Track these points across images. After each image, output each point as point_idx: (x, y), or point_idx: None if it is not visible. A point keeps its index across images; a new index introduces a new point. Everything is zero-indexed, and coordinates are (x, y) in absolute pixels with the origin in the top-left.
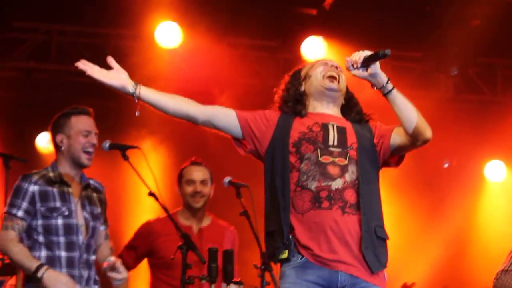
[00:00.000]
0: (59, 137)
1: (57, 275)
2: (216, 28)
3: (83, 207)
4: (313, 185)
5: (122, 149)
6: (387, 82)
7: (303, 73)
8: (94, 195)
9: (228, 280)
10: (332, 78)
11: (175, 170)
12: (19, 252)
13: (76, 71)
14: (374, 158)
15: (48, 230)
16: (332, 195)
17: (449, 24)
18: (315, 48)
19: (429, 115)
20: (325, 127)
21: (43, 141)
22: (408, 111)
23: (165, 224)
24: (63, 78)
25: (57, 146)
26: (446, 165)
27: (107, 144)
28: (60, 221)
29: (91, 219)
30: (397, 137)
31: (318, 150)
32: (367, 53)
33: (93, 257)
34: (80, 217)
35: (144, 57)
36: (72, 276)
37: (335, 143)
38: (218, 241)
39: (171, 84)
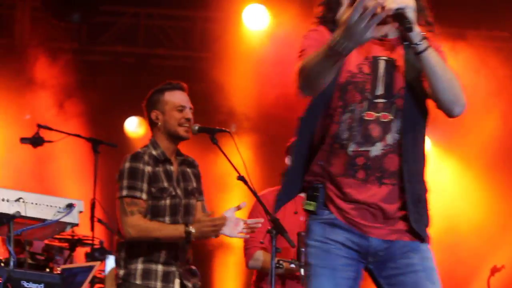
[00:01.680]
0: (153, 114)
1: (200, 226)
2: (303, 11)
3: (178, 183)
4: (351, 148)
5: (212, 133)
6: (417, 43)
7: None
8: (189, 170)
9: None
10: None
11: (261, 155)
12: (161, 227)
13: (164, 54)
14: (423, 100)
15: (156, 212)
16: (369, 163)
17: None
18: None
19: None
20: (375, 66)
21: (132, 125)
22: (436, 80)
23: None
24: (151, 61)
25: (152, 123)
26: None
27: (196, 127)
28: (168, 202)
29: (184, 196)
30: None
31: (365, 102)
32: (401, 7)
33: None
34: (180, 195)
35: (231, 40)
36: (173, 258)
37: (382, 91)
38: None
39: (259, 66)
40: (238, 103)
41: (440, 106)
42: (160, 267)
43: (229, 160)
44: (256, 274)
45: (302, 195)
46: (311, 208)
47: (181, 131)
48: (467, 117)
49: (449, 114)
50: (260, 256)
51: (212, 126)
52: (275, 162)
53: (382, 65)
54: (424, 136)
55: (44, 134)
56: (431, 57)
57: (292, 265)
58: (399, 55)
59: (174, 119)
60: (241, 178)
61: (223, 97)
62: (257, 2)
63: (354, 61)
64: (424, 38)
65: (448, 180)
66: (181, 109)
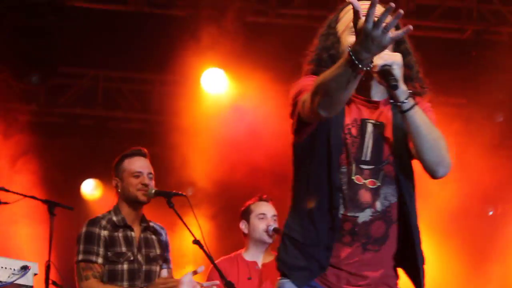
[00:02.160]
0: (114, 181)
1: None
2: (262, 74)
3: (139, 249)
4: (340, 212)
5: (168, 196)
6: (403, 101)
7: (337, 29)
8: (153, 237)
9: None
10: None
11: (218, 221)
12: None
13: (122, 117)
14: (411, 161)
15: (114, 276)
16: (355, 229)
17: (494, 70)
18: None
19: (474, 162)
20: (363, 129)
21: (88, 188)
22: (420, 139)
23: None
24: (109, 124)
25: (116, 190)
26: (490, 213)
27: (152, 190)
28: (125, 266)
29: (145, 262)
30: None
31: (353, 166)
32: (387, 64)
33: None
34: (140, 260)
35: (189, 103)
36: None
37: (369, 157)
38: None
39: (217, 130)
40: (196, 167)
41: (424, 166)
42: None
43: (185, 224)
44: None
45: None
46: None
47: (139, 195)
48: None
49: (433, 175)
50: None
51: (169, 190)
52: (232, 229)
53: (369, 129)
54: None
55: (0, 195)
56: (416, 116)
57: None
58: (387, 118)
59: (131, 185)
60: (196, 242)
61: (180, 161)
62: (216, 66)
63: (347, 120)
64: (410, 96)
65: None
66: (138, 175)
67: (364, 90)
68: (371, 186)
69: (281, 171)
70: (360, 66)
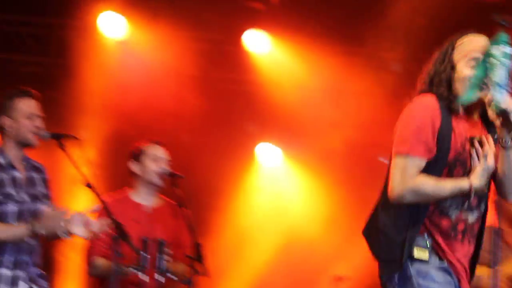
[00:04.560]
0: (3, 120)
1: (44, 220)
2: (161, 20)
3: (26, 189)
4: (453, 214)
5: (60, 138)
6: (509, 139)
7: (452, 56)
8: (36, 175)
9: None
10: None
11: (111, 162)
12: (4, 228)
13: (20, 60)
14: None
15: (3, 217)
16: (466, 228)
17: (394, 20)
18: (258, 42)
19: (371, 112)
20: (471, 144)
21: None
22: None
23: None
24: (7, 67)
25: (2, 129)
26: (383, 160)
27: (45, 133)
28: (14, 207)
29: (31, 201)
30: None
31: (466, 175)
32: (506, 112)
33: (35, 242)
34: (27, 200)
35: (87, 47)
36: (20, 262)
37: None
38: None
39: (116, 75)
40: (92, 109)
41: (502, 191)
42: (7, 271)
43: (76, 167)
44: (99, 281)
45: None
46: (424, 257)
47: (32, 138)
48: (318, 130)
49: (506, 198)
50: (100, 263)
51: (62, 132)
52: (123, 166)
53: (476, 143)
54: None
55: None
56: None
57: (133, 270)
58: (485, 135)
59: (24, 126)
60: (88, 185)
61: (77, 104)
62: (115, 11)
63: (459, 140)
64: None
65: (297, 192)
66: (32, 117)
67: (469, 111)
68: (479, 193)
69: (180, 114)
70: (469, 195)
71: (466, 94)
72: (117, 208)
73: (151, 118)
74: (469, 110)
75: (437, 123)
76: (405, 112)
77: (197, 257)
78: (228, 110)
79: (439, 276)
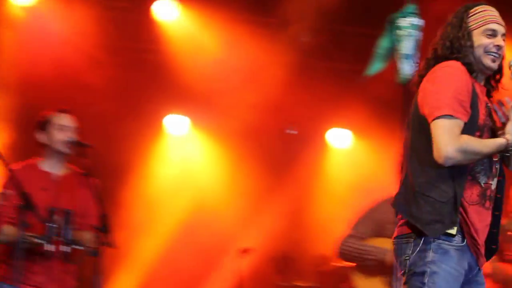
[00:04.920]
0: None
1: None
2: None
3: None
4: (483, 180)
5: None
6: None
7: (467, 24)
8: None
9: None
10: (494, 58)
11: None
12: None
13: None
14: None
15: None
16: (491, 195)
17: None
18: (167, 10)
19: (278, 81)
20: (488, 110)
21: None
22: None
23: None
24: None
25: None
26: (290, 131)
27: None
28: None
29: None
30: None
31: None
32: None
33: None
34: None
35: None
36: None
37: (497, 133)
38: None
39: (25, 45)
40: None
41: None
42: None
43: None
44: (3, 248)
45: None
46: (453, 232)
47: None
48: (225, 99)
49: None
50: (8, 231)
51: None
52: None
53: (492, 111)
54: None
55: None
56: None
57: (39, 241)
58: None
59: None
60: None
61: None
62: None
63: (482, 103)
64: None
65: (205, 162)
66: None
67: (483, 79)
68: (495, 159)
69: (90, 84)
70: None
71: (374, 65)
72: (25, 176)
73: (60, 88)
74: (484, 77)
75: (470, 87)
76: (436, 77)
77: (103, 227)
78: (137, 80)
79: (455, 258)
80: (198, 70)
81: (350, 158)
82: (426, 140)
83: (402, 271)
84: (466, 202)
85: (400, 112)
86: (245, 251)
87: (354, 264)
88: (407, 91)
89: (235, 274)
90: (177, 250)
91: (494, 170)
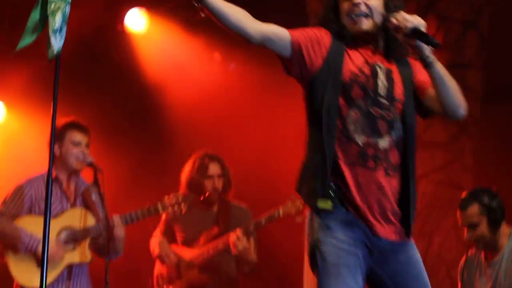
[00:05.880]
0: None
1: None
2: None
3: None
4: (360, 139)
5: None
6: (428, 56)
7: None
8: None
9: None
10: (356, 17)
11: None
12: None
13: None
14: (414, 109)
15: None
16: (378, 154)
17: None
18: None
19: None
20: (374, 70)
21: None
22: (445, 87)
23: None
24: None
25: None
26: None
27: None
28: None
29: None
30: (431, 97)
31: (369, 99)
32: (417, 26)
33: None
34: None
35: None
36: None
37: (384, 92)
38: None
39: None
40: None
41: (447, 110)
42: None
43: None
44: None
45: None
46: (327, 206)
47: None
48: None
49: (455, 115)
50: None
51: None
52: None
53: (380, 71)
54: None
55: None
56: (439, 67)
57: None
58: (390, 65)
59: None
60: None
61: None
62: None
63: (356, 63)
64: (430, 52)
65: None
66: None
67: (368, 42)
68: (388, 118)
69: None
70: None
71: (24, 39)
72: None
73: None
74: (367, 40)
75: (327, 41)
76: None
77: None
78: None
79: (341, 231)
80: None
81: (4, 130)
82: (305, 109)
83: None
84: (343, 163)
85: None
86: None
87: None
88: (59, 66)
89: None
90: None
91: (379, 126)
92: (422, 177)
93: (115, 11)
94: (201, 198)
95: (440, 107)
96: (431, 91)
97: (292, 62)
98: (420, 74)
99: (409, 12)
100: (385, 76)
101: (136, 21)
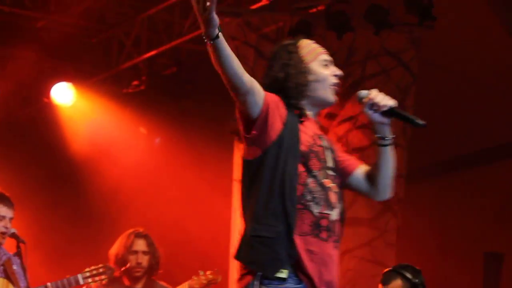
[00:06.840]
0: None
1: None
2: None
3: None
4: (316, 209)
5: None
6: (389, 136)
7: (302, 59)
8: None
9: None
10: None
11: None
12: None
13: None
14: None
15: None
16: (330, 226)
17: None
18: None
19: None
20: (322, 141)
21: None
22: (388, 170)
23: None
24: None
25: None
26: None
27: None
28: None
29: None
30: (359, 177)
31: (323, 170)
32: (395, 106)
33: None
34: None
35: None
36: None
37: (332, 164)
38: None
39: None
40: None
41: (378, 192)
42: None
43: None
44: None
45: None
46: (282, 275)
47: None
48: None
49: (382, 198)
50: None
51: None
52: None
53: (325, 142)
54: None
55: None
56: (391, 149)
57: None
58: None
59: None
60: None
61: None
62: None
63: (309, 133)
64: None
65: None
66: None
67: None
68: (335, 190)
69: None
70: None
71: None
72: None
73: None
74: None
75: (282, 108)
76: None
77: None
78: None
79: None
80: None
81: None
82: (247, 177)
83: None
84: (296, 233)
85: None
86: None
87: None
88: None
89: None
90: None
91: (332, 199)
92: (345, 252)
93: (43, 83)
94: (122, 269)
95: (368, 189)
96: (359, 172)
97: (255, 122)
98: (343, 155)
99: (337, 93)
100: (330, 149)
101: (63, 94)
